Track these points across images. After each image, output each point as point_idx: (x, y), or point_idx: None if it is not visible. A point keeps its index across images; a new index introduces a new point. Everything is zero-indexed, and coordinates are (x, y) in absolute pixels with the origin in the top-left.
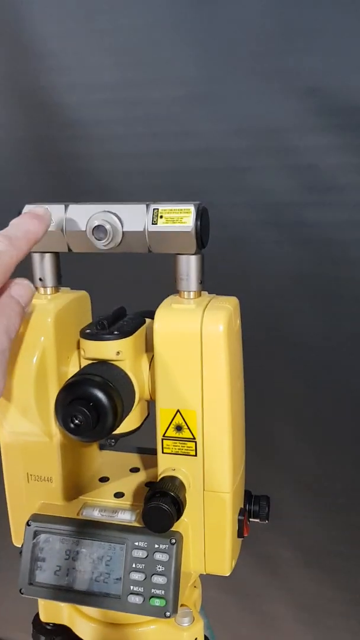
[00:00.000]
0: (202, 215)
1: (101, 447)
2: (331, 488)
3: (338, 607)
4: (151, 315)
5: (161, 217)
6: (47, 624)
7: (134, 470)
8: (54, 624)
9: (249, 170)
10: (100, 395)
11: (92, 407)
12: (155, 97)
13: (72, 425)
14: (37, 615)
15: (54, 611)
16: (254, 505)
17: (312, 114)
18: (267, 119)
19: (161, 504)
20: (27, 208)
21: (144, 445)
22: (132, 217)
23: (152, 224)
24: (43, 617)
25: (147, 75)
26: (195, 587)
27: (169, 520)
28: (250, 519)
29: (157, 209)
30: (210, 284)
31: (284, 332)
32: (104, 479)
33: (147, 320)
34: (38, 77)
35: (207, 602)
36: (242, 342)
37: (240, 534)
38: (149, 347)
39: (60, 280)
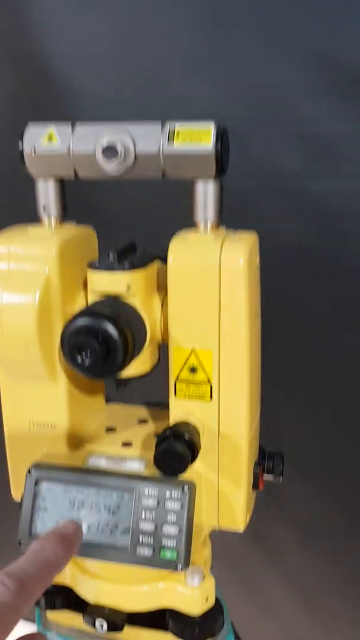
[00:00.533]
0: (222, 136)
1: (108, 400)
2: (332, 467)
3: (336, 588)
4: (161, 260)
5: (178, 135)
6: None
7: (143, 421)
8: (55, 585)
9: (251, 138)
10: (110, 328)
11: (101, 341)
12: (154, 64)
13: (79, 360)
14: None
15: None
16: (267, 461)
17: (317, 80)
18: (270, 85)
19: (175, 445)
20: (55, 525)
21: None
22: (146, 137)
23: (168, 144)
24: None
25: (145, 43)
26: (205, 545)
27: (182, 462)
28: (264, 475)
29: (174, 127)
30: None
31: (286, 307)
32: (110, 429)
33: (159, 261)
34: (31, 41)
35: None
36: (259, 283)
37: (255, 485)
38: (160, 287)
39: (66, 211)
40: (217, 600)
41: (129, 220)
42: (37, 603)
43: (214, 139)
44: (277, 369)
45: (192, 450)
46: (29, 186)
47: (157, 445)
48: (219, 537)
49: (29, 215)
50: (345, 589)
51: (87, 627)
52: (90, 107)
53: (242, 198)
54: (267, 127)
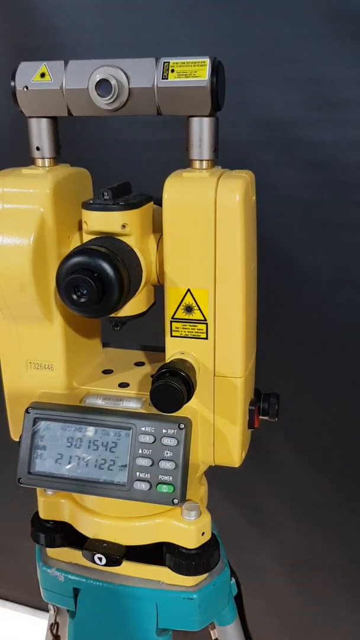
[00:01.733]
0: (218, 70)
1: (104, 345)
2: (325, 441)
3: (328, 562)
4: (156, 202)
5: (172, 70)
6: (47, 521)
7: (139, 364)
8: (54, 522)
9: (245, 83)
10: (105, 266)
11: (97, 278)
12: (146, 6)
13: (74, 297)
14: (37, 513)
15: (54, 507)
16: (263, 402)
17: (316, 19)
18: (266, 26)
19: (171, 382)
20: None
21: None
22: (140, 72)
23: (163, 78)
24: (42, 515)
25: None
26: (202, 484)
27: (179, 399)
28: (260, 417)
29: (168, 62)
30: None
31: (285, 264)
32: (107, 371)
33: (153, 203)
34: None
35: None
36: (256, 222)
37: (250, 424)
38: (156, 229)
39: (59, 151)
40: (213, 536)
41: (124, 162)
42: (37, 540)
43: (209, 73)
44: (277, 330)
45: (188, 387)
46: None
47: (154, 382)
48: (213, 511)
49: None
50: (340, 563)
51: (87, 562)
52: (82, 50)
53: (237, 148)
54: (262, 71)
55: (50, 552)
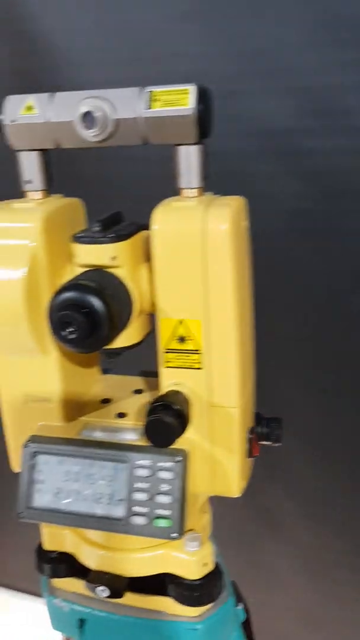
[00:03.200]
0: (203, 97)
1: (104, 371)
2: (335, 439)
3: (341, 559)
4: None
5: (156, 100)
6: (51, 552)
7: (138, 392)
8: (58, 552)
9: (240, 94)
10: (94, 301)
11: (86, 314)
12: (141, 19)
13: (64, 334)
14: (40, 544)
15: (57, 538)
16: (264, 427)
17: (309, 27)
18: (259, 36)
19: (163, 416)
20: None
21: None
22: (125, 103)
23: (147, 108)
24: (46, 545)
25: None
26: (204, 512)
27: (172, 433)
28: (262, 442)
29: (152, 91)
30: None
31: (282, 273)
32: (106, 401)
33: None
34: (16, 4)
35: None
36: (249, 247)
37: (250, 453)
38: (149, 258)
39: (52, 184)
40: (216, 565)
41: (118, 191)
42: (42, 571)
43: (194, 100)
44: (277, 335)
45: (182, 421)
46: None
47: (147, 416)
48: (225, 512)
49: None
50: (353, 560)
51: (92, 593)
52: (80, 70)
53: (233, 158)
54: (257, 81)
55: (56, 582)
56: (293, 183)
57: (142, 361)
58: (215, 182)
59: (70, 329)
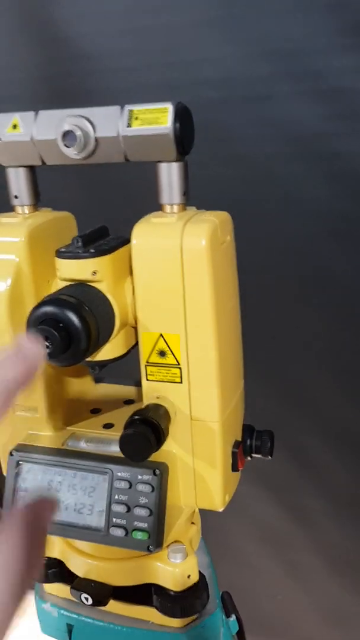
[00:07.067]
0: (181, 115)
1: (98, 380)
2: None
3: None
4: None
5: (136, 118)
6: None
7: (129, 402)
8: (49, 558)
9: (271, 98)
10: (71, 316)
11: (62, 329)
12: (168, 22)
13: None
14: None
15: (47, 544)
16: (256, 440)
17: (338, 32)
18: (289, 40)
19: (138, 431)
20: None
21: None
22: (106, 121)
23: (127, 126)
24: None
25: (163, 2)
26: (193, 523)
27: (146, 448)
28: (253, 455)
29: (132, 110)
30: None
31: (315, 278)
32: (95, 411)
33: None
34: (46, 8)
35: (235, 550)
36: (235, 262)
37: (234, 467)
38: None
39: (39, 198)
40: (201, 578)
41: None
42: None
43: (172, 119)
44: (307, 340)
45: (158, 437)
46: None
47: (124, 430)
48: (257, 510)
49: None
50: None
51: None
52: (99, 75)
53: (263, 162)
54: (287, 86)
55: (46, 587)
56: (324, 186)
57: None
58: (243, 186)
59: (47, 344)
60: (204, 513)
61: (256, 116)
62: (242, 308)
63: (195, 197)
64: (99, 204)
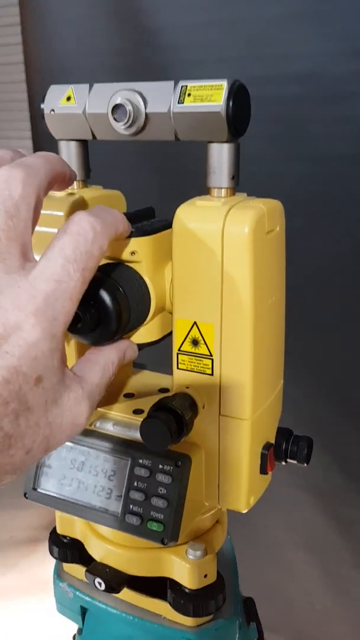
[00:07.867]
0: (237, 94)
1: (139, 366)
2: None
3: None
4: None
5: (189, 95)
6: (64, 536)
7: (163, 390)
8: (70, 538)
9: (357, 96)
10: (104, 295)
11: (92, 306)
12: (254, 16)
13: (72, 324)
14: (55, 527)
15: (68, 524)
16: (292, 445)
17: None
18: None
19: (158, 419)
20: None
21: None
22: (158, 96)
23: (178, 103)
24: (59, 529)
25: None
26: (218, 522)
27: (165, 437)
28: (288, 460)
29: (186, 85)
30: (296, 222)
31: None
32: (129, 395)
33: None
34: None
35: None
36: (284, 254)
37: (263, 470)
38: None
39: (89, 174)
40: (219, 579)
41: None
42: (52, 553)
43: (225, 97)
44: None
45: (179, 428)
46: None
47: (147, 417)
48: (305, 520)
49: None
50: None
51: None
52: (185, 67)
53: (339, 162)
54: None
55: (66, 566)
56: None
57: None
58: (316, 184)
59: (77, 320)
60: (247, 514)
61: (338, 114)
62: (299, 309)
63: (253, 191)
64: (162, 190)
